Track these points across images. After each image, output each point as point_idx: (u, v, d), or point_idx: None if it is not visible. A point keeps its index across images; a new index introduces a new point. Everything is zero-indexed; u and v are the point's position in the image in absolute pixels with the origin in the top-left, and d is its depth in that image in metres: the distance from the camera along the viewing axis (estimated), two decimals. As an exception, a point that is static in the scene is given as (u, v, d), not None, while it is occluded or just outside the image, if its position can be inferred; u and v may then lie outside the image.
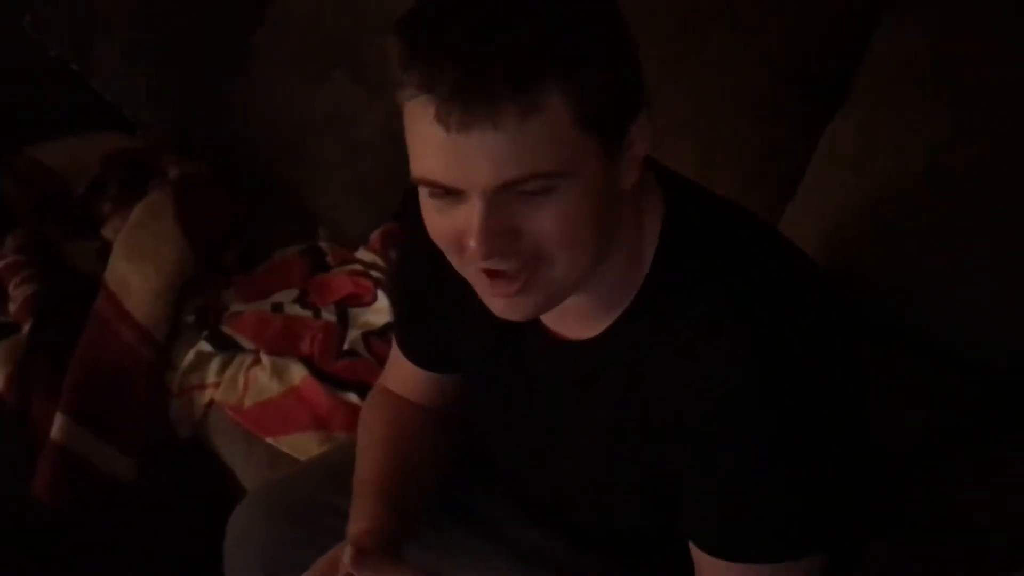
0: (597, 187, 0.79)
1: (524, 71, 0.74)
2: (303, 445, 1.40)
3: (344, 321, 1.54)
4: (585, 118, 0.77)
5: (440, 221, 0.81)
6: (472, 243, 0.78)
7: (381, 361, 1.45)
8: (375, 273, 1.61)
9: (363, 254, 1.66)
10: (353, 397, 1.43)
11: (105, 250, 1.65)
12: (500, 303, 0.84)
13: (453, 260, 0.84)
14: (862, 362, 0.93)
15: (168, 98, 1.94)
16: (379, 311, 1.54)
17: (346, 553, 0.92)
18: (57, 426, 1.46)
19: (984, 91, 1.28)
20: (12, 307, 1.59)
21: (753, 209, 1.40)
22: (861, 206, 1.33)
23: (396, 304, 1.12)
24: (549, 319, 0.93)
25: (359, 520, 1.02)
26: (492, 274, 0.81)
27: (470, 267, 0.83)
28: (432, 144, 0.76)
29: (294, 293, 1.61)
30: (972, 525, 1.10)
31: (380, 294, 1.56)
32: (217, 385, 1.50)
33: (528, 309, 0.84)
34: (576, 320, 0.91)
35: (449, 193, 0.79)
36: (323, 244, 1.73)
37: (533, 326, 0.94)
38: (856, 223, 1.34)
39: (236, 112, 1.91)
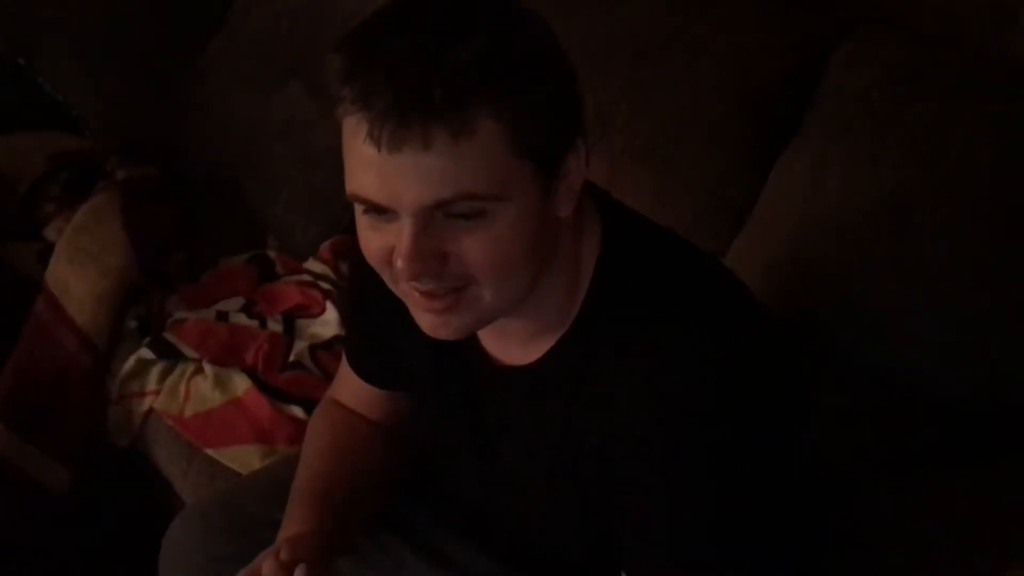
0: (530, 214, 0.80)
1: (458, 94, 0.74)
2: (245, 458, 1.37)
3: (291, 332, 1.52)
4: (519, 144, 0.77)
5: (372, 238, 0.82)
6: (400, 263, 0.79)
7: (327, 374, 1.43)
8: (324, 284, 1.59)
9: (312, 264, 1.64)
10: (297, 411, 1.40)
11: (47, 252, 1.62)
12: (428, 320, 0.84)
13: (384, 277, 0.84)
14: (798, 389, 0.94)
15: (118, 99, 1.92)
16: (327, 323, 1.52)
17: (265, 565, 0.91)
18: (-11, 432, 1.43)
19: (932, 129, 1.31)
20: (-54, 308, 1.55)
21: (705, 236, 1.44)
22: (810, 238, 1.35)
23: (347, 317, 1.11)
24: (489, 344, 0.94)
25: (290, 526, 1.01)
26: (421, 290, 0.82)
27: (401, 284, 0.83)
28: (365, 162, 0.76)
29: (240, 302, 1.58)
30: (919, 553, 1.11)
31: (329, 306, 1.54)
32: (157, 393, 1.46)
33: (456, 328, 0.84)
34: (515, 345, 0.92)
35: (381, 211, 0.79)
36: (271, 253, 1.71)
37: (474, 350, 0.94)
38: (805, 255, 1.36)
39: (188, 117, 1.88)
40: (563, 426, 0.89)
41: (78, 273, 1.54)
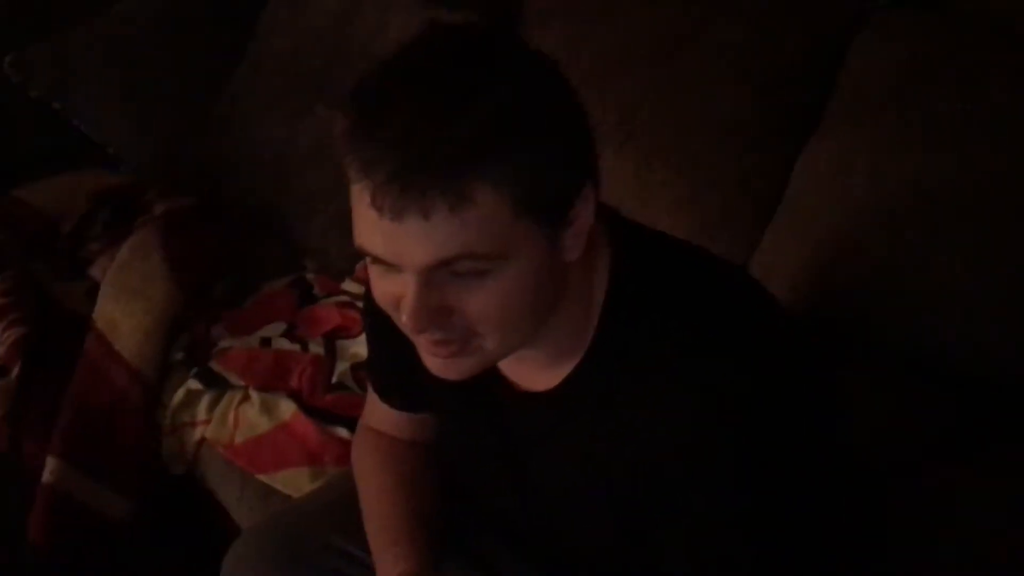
0: (534, 267, 0.81)
1: (454, 167, 0.76)
2: (295, 481, 1.40)
3: (332, 353, 1.55)
4: (521, 206, 0.79)
5: (380, 284, 0.85)
6: (404, 318, 0.82)
7: (370, 393, 1.46)
8: (361, 304, 1.61)
9: (349, 285, 1.67)
10: (343, 431, 1.43)
11: (94, 290, 1.65)
12: (434, 363, 0.87)
13: (395, 318, 0.86)
14: (826, 394, 0.94)
15: (151, 135, 1.95)
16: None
17: None
18: (49, 469, 1.47)
19: (954, 113, 1.31)
20: (1, 350, 1.58)
21: (734, 230, 1.45)
22: (839, 227, 1.36)
23: (368, 347, 1.14)
24: (508, 371, 0.96)
25: (400, 563, 1.03)
26: (428, 339, 0.85)
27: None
28: (370, 224, 0.79)
29: (282, 327, 1.61)
30: (958, 543, 1.11)
31: (367, 326, 1.57)
32: (208, 422, 1.50)
33: (461, 372, 0.87)
34: (533, 372, 0.94)
35: (388, 264, 0.81)
36: (310, 276, 1.73)
37: (495, 377, 0.96)
38: (835, 244, 1.36)
39: (221, 146, 1.92)
40: (589, 447, 0.90)
41: (124, 309, 1.58)
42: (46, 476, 1.47)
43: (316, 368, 1.52)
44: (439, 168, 0.75)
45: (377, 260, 0.82)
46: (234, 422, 1.48)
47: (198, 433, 1.51)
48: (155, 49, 1.97)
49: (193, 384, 1.52)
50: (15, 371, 1.55)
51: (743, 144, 1.46)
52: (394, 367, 1.07)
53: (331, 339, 1.57)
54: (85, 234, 1.82)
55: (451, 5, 1.53)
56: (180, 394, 1.52)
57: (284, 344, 1.57)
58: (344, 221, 1.72)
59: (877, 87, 1.39)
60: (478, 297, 0.81)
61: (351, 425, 1.42)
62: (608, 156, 1.46)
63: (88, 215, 1.84)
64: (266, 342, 1.58)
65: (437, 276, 0.80)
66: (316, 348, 1.56)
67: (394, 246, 0.79)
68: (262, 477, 1.43)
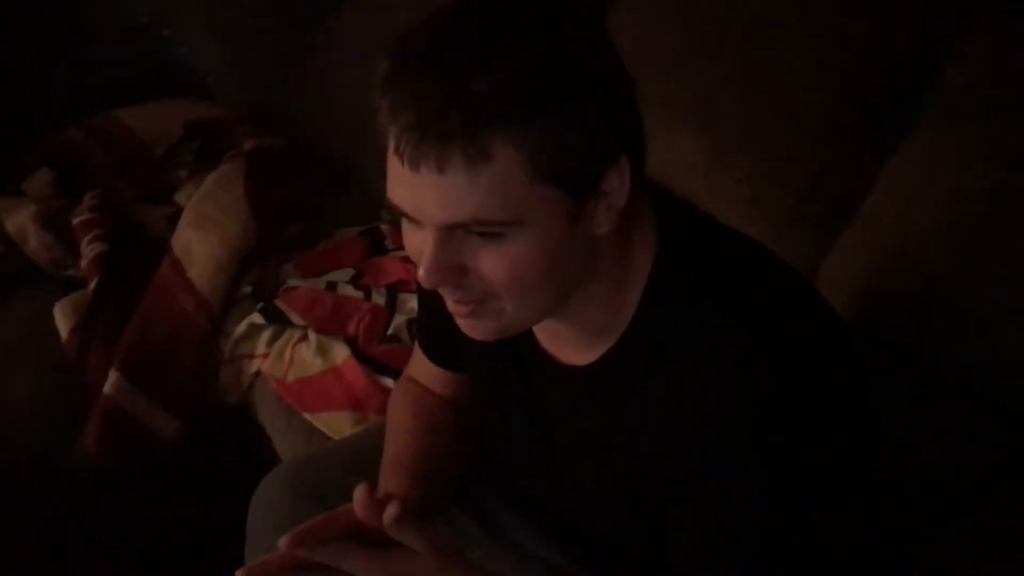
0: (553, 237, 0.81)
1: (472, 123, 0.76)
2: (337, 424, 1.43)
3: (392, 305, 1.57)
4: (541, 170, 0.78)
5: (409, 236, 0.86)
6: (420, 272, 0.82)
7: (422, 349, 1.48)
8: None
9: (421, 240, 1.68)
10: (389, 382, 1.45)
11: (177, 215, 1.71)
12: (460, 321, 0.88)
13: None
14: (865, 400, 0.92)
15: (250, 69, 1.99)
16: (426, 299, 1.57)
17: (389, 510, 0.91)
18: (110, 382, 1.52)
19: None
20: (83, 263, 1.65)
21: (805, 228, 1.42)
22: (915, 242, 1.31)
23: (418, 303, 1.15)
24: (545, 342, 0.96)
25: (396, 491, 1.03)
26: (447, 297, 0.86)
27: None
28: (395, 173, 0.80)
29: (349, 273, 1.64)
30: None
31: (430, 281, 1.58)
32: (265, 356, 1.54)
33: (484, 331, 0.88)
34: (569, 346, 0.93)
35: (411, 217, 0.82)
36: (384, 227, 1.75)
37: (532, 347, 0.96)
38: (908, 259, 1.32)
39: (313, 88, 1.94)
40: (617, 427, 0.90)
41: (201, 238, 1.62)
42: (107, 388, 1.52)
43: (374, 317, 1.54)
44: (457, 122, 0.76)
45: (401, 212, 0.83)
46: (289, 360, 1.52)
47: (255, 366, 1.55)
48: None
49: (256, 318, 1.56)
50: (92, 285, 1.62)
51: (823, 142, 1.43)
52: (437, 324, 1.07)
53: (394, 291, 1.59)
54: (175, 161, 1.87)
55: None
56: (243, 326, 1.56)
57: (349, 290, 1.60)
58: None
59: (978, 97, 1.33)
60: (492, 259, 0.81)
61: (399, 377, 1.45)
62: (686, 140, 1.46)
63: (180, 143, 1.89)
64: (331, 286, 1.61)
65: (454, 235, 0.81)
66: (378, 298, 1.58)
67: (413, 199, 0.80)
68: (307, 416, 1.46)
